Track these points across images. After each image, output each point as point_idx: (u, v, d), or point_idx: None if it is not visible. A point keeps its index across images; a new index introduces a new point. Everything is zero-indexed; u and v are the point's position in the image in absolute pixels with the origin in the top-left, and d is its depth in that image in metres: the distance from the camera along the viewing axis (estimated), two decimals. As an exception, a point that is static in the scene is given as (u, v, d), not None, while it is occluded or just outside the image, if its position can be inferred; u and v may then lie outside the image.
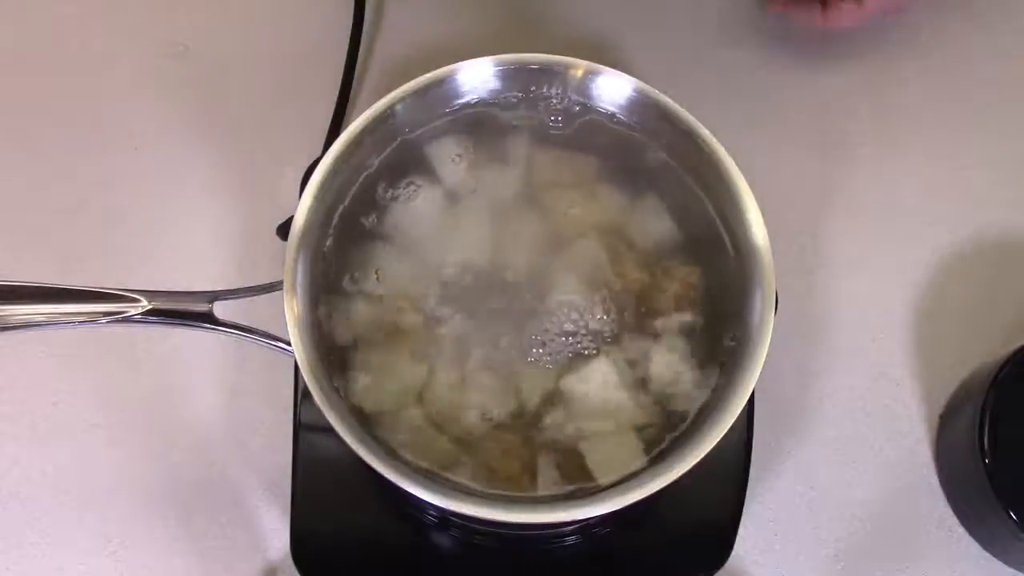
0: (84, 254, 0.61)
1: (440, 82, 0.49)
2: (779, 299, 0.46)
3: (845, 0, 0.60)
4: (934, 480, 0.57)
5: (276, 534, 0.55)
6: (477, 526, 0.50)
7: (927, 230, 0.63)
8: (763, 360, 0.44)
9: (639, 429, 0.46)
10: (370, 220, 0.50)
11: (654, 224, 0.50)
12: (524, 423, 0.46)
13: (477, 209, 0.50)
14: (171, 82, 0.66)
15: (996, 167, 0.64)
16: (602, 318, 0.48)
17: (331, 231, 0.49)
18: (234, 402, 0.58)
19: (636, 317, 0.48)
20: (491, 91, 0.51)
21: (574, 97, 0.51)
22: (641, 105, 0.50)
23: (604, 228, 0.50)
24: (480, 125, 0.51)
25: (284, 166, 0.63)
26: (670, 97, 0.49)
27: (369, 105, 0.49)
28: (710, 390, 0.46)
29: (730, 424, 0.43)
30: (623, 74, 0.49)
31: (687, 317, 0.48)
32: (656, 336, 0.47)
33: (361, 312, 0.48)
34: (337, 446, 0.42)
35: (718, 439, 0.42)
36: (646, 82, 0.49)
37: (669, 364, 0.47)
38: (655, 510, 0.51)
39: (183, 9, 0.69)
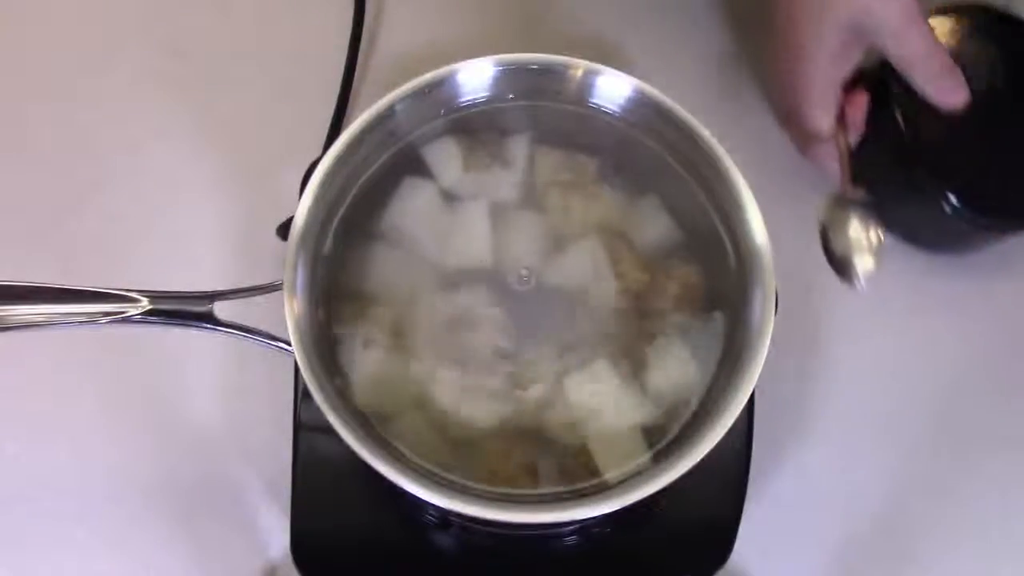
0: (84, 254, 0.61)
1: (440, 82, 0.49)
2: (779, 299, 0.46)
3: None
4: (934, 480, 0.57)
5: (276, 534, 0.55)
6: (477, 526, 0.50)
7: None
8: (763, 360, 0.44)
9: (639, 429, 0.46)
10: (370, 220, 0.50)
11: (654, 224, 0.50)
12: (525, 423, 0.46)
13: (477, 209, 0.50)
14: (171, 82, 0.66)
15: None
16: (602, 318, 0.48)
17: (331, 231, 0.49)
18: (234, 402, 0.58)
19: (636, 317, 0.48)
20: (491, 91, 0.51)
21: (574, 97, 0.51)
22: (641, 105, 0.50)
23: (604, 228, 0.50)
24: (480, 125, 0.51)
25: (284, 166, 0.63)
26: (670, 97, 0.49)
27: (369, 105, 0.48)
28: (710, 389, 0.46)
29: (730, 424, 0.43)
30: (623, 74, 0.49)
31: (687, 317, 0.48)
32: (656, 336, 0.47)
33: (361, 312, 0.48)
34: (337, 446, 0.42)
35: (718, 439, 0.42)
36: (646, 82, 0.49)
37: (669, 364, 0.47)
38: (655, 510, 0.51)
39: (183, 9, 0.69)
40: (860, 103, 0.56)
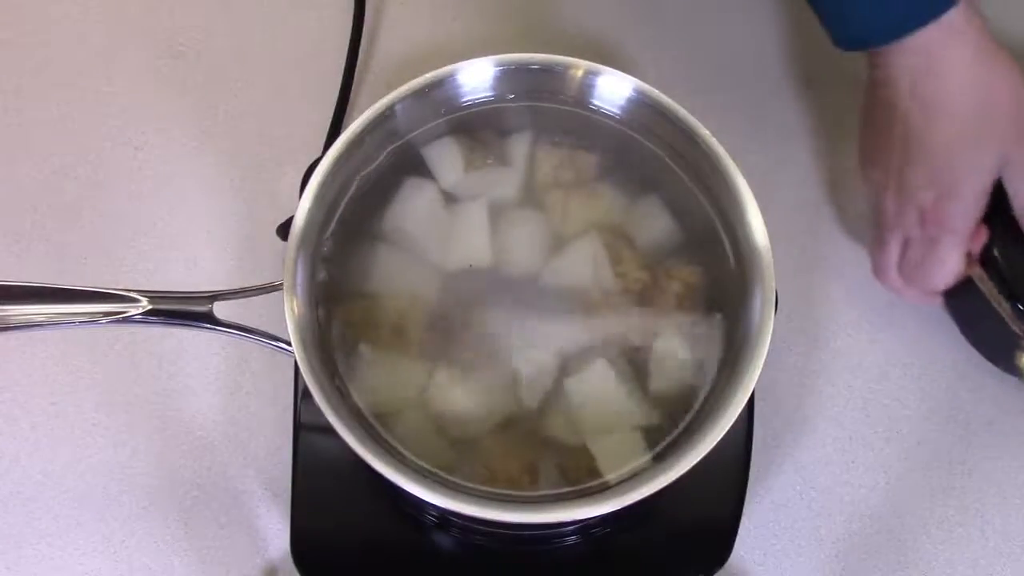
0: (84, 254, 0.61)
1: (440, 82, 0.49)
2: (779, 299, 0.46)
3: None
4: (934, 480, 0.57)
5: (276, 534, 0.55)
6: (477, 526, 0.50)
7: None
8: (763, 360, 0.44)
9: (640, 429, 0.46)
10: (370, 220, 0.50)
11: (654, 224, 0.50)
12: (525, 423, 0.46)
13: (477, 209, 0.50)
14: (171, 82, 0.66)
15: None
16: (602, 318, 0.48)
17: (331, 231, 0.49)
18: (234, 402, 0.58)
19: (636, 317, 0.48)
20: (491, 91, 0.51)
21: (574, 97, 0.51)
22: (641, 105, 0.50)
23: (604, 228, 0.50)
24: (480, 125, 0.51)
25: (284, 166, 0.63)
26: (670, 97, 0.49)
27: (369, 105, 0.49)
28: (710, 390, 0.46)
29: (730, 424, 0.43)
30: (623, 74, 0.49)
31: (687, 317, 0.48)
32: (656, 336, 0.47)
33: (361, 312, 0.48)
34: (337, 446, 0.42)
35: (718, 439, 0.42)
36: (646, 82, 0.49)
37: (669, 364, 0.47)
38: (655, 510, 0.51)
39: (183, 9, 0.69)
40: (981, 238, 0.54)
